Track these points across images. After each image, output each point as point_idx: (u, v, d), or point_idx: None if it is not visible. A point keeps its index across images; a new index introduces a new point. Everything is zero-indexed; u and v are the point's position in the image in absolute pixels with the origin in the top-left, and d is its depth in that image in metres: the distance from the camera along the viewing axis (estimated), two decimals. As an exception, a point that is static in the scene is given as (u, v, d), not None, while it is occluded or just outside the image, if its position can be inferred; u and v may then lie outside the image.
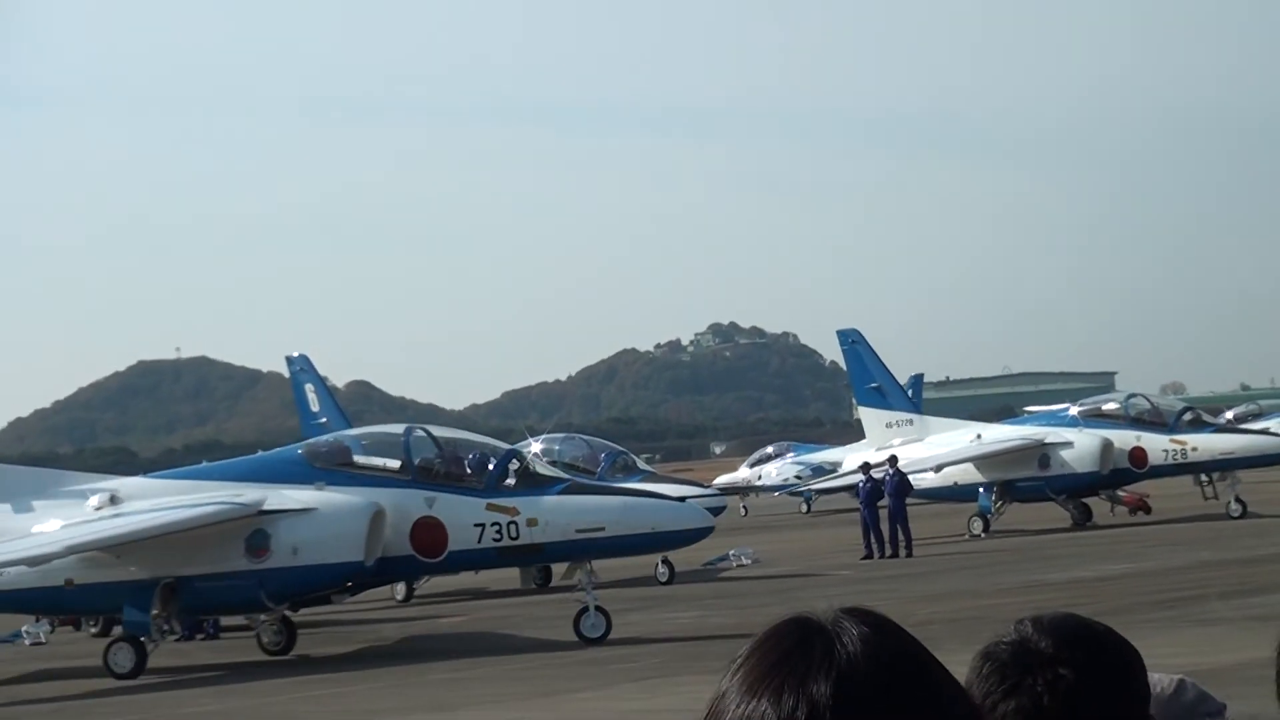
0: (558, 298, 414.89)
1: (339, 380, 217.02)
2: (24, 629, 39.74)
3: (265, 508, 26.94)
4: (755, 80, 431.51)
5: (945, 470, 46.56)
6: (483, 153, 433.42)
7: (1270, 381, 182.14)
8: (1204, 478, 46.36)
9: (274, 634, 29.20)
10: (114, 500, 28.34)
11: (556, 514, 26.49)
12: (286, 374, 49.15)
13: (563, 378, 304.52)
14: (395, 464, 27.56)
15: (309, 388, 46.82)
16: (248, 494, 27.38)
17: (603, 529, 26.41)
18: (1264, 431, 50.77)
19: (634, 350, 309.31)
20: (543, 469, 28.42)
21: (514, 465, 27.10)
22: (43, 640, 38.95)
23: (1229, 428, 49.67)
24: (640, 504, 27.11)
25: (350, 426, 47.54)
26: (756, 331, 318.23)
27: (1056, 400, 57.85)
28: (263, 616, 28.73)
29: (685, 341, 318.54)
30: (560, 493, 26.69)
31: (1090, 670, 2.85)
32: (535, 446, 41.33)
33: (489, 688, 22.96)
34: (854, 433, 63.00)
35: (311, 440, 30.06)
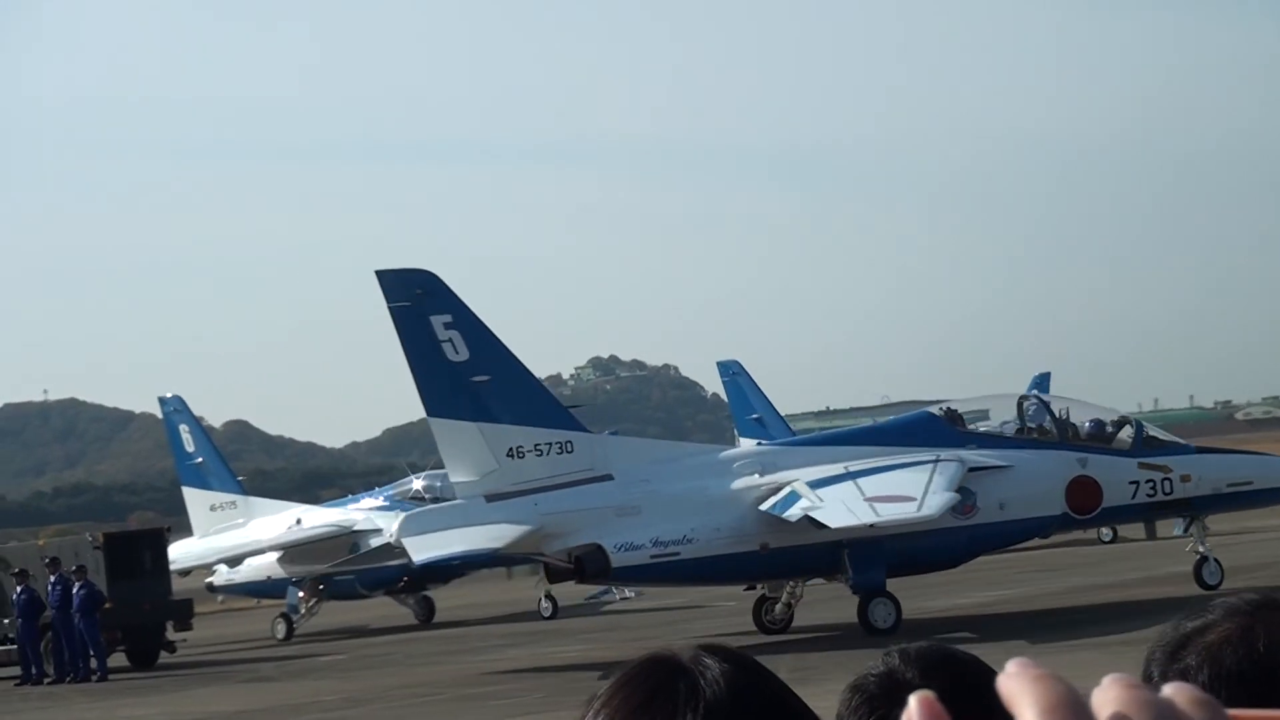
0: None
1: (216, 420, 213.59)
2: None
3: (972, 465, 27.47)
4: (635, 113, 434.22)
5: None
6: (357, 190, 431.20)
7: (1154, 403, 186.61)
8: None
9: (783, 608, 29.05)
10: (767, 467, 28.07)
11: (1209, 470, 28.40)
12: (160, 415, 48.39)
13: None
14: (1037, 428, 28.67)
15: (183, 428, 46.12)
16: (944, 455, 27.60)
17: (1250, 483, 28.48)
18: None
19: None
20: (1161, 433, 29.91)
21: (1144, 430, 28.99)
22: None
23: None
24: (1275, 460, 29.59)
25: (226, 466, 47.14)
26: (637, 364, 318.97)
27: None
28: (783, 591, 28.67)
29: (566, 375, 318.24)
30: (1195, 453, 28.84)
31: (956, 698, 2.90)
32: (417, 484, 41.13)
33: (370, 728, 22.70)
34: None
35: (938, 406, 29.97)
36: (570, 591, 40.61)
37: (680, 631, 30.63)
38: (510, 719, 21.62)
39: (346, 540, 40.10)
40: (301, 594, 40.11)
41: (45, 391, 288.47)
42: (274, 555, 40.74)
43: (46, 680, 34.26)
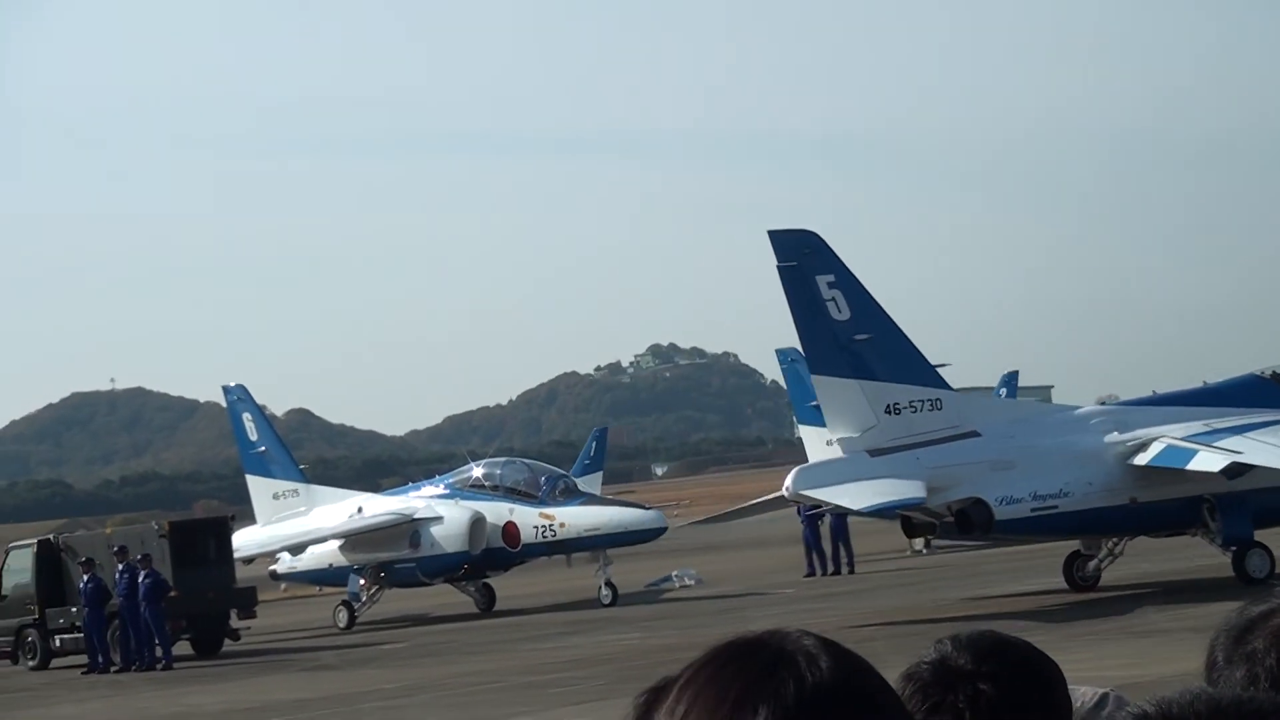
0: (497, 321, 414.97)
1: (278, 409, 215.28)
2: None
3: None
4: (692, 102, 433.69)
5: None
6: (418, 181, 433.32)
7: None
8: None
9: (1096, 566, 30.21)
10: (1121, 425, 29.08)
11: None
12: (224, 404, 48.77)
13: (503, 402, 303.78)
14: None
15: (246, 417, 46.48)
16: None
17: None
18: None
19: (574, 373, 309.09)
20: None
21: None
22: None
23: None
24: None
25: (289, 455, 47.45)
26: (696, 352, 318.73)
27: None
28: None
29: (625, 363, 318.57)
30: None
31: (1009, 684, 2.88)
32: (477, 471, 41.26)
33: (426, 714, 22.84)
34: (796, 451, 63.23)
35: (1263, 369, 31.14)
36: (629, 579, 40.71)
37: (738, 620, 30.60)
38: (571, 706, 21.65)
39: (407, 528, 40.30)
40: (363, 582, 40.35)
41: (112, 380, 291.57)
42: (336, 543, 40.99)
43: (113, 669, 34.62)
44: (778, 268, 28.14)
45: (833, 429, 28.69)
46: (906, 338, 29.09)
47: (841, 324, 28.07)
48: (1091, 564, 30.07)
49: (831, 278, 28.12)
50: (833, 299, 28.03)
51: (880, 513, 28.78)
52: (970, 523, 27.76)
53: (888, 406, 28.24)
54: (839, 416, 28.37)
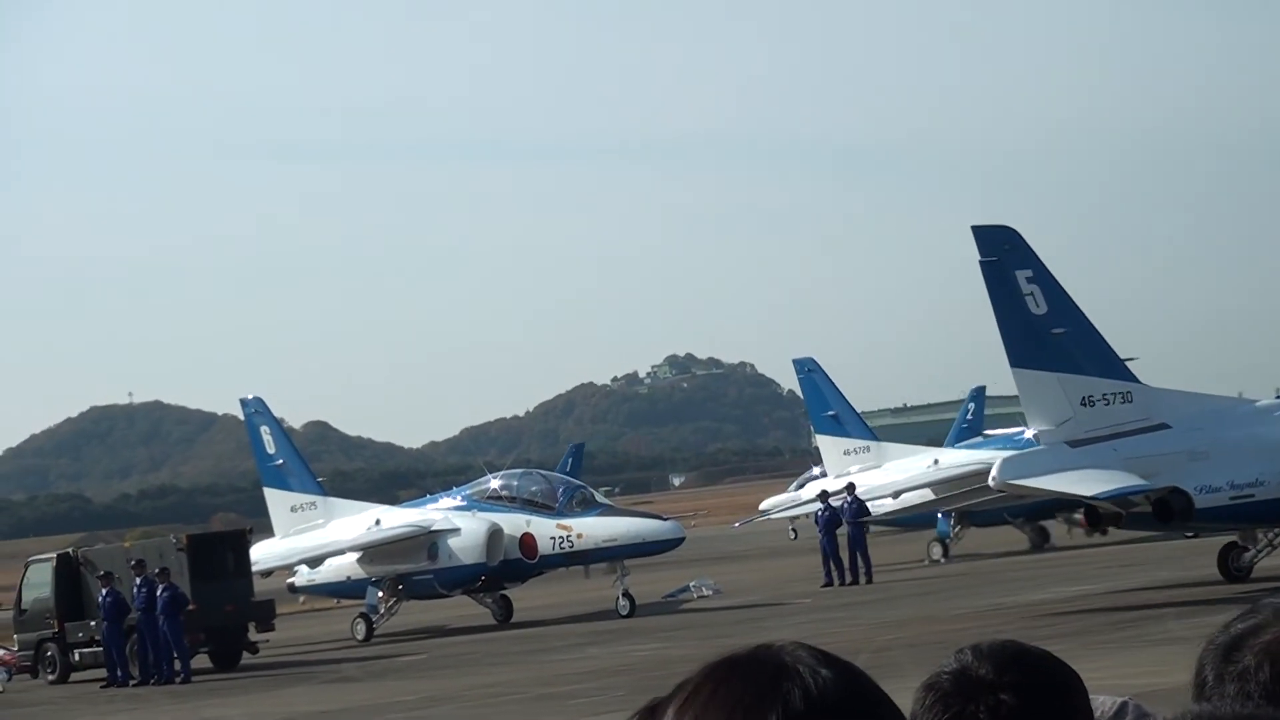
0: (514, 333, 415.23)
1: (296, 421, 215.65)
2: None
3: None
4: (710, 113, 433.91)
5: (903, 496, 46.66)
6: (438, 190, 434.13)
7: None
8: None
9: (1251, 556, 30.58)
10: None
11: None
12: (241, 417, 48.83)
13: (520, 413, 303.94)
14: None
15: (264, 429, 46.53)
16: None
17: None
18: None
19: (591, 384, 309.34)
20: None
21: None
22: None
23: None
24: None
25: (307, 467, 47.53)
26: (713, 362, 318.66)
27: (1017, 424, 58.22)
28: None
29: (642, 374, 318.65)
30: None
31: (1031, 693, 2.86)
32: (495, 483, 41.25)
33: (450, 727, 22.81)
34: (813, 461, 63.21)
35: None
36: (647, 590, 40.68)
37: (756, 630, 30.55)
38: (590, 718, 21.63)
39: (425, 540, 40.27)
40: (381, 594, 40.37)
41: (130, 394, 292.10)
42: (354, 555, 41.02)
43: (132, 682, 34.67)
44: (979, 263, 28.74)
45: (1031, 421, 29.50)
46: (1098, 331, 29.70)
47: (1039, 318, 28.70)
48: (1247, 555, 30.44)
49: (1030, 272, 28.78)
50: (1031, 294, 28.67)
51: (1108, 499, 28.99)
52: (1170, 511, 28.35)
53: (1083, 399, 28.87)
54: (1037, 408, 29.07)
